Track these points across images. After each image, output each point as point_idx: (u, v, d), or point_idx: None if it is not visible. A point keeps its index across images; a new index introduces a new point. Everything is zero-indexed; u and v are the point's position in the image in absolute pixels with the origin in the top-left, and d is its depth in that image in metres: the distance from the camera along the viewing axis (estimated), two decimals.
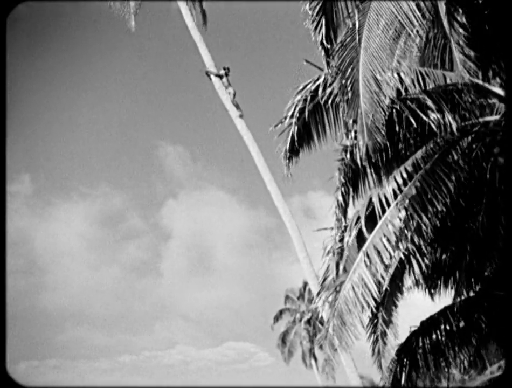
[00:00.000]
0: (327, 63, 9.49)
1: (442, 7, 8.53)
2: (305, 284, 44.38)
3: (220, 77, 18.39)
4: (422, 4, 8.56)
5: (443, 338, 10.88)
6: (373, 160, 9.58)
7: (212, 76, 18.51)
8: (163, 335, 71.15)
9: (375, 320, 11.13)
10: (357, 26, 8.66)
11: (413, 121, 9.30)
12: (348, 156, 10.20)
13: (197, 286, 75.80)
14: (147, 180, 78.54)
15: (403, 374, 11.07)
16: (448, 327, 10.87)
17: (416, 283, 11.80)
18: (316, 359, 43.58)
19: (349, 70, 8.57)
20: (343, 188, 10.28)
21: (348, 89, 8.55)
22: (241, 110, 17.95)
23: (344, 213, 10.51)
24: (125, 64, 74.83)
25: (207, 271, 77.02)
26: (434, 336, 11.00)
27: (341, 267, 10.40)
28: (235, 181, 76.86)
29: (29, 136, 74.07)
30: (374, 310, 10.51)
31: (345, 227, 10.64)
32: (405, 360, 11.15)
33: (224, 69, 18.60)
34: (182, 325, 72.33)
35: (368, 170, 9.98)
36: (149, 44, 72.01)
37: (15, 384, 8.12)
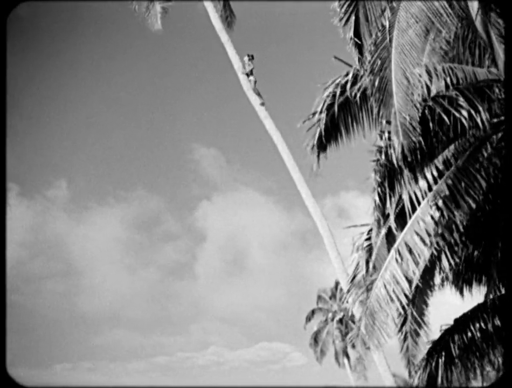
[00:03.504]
0: (359, 59, 9.52)
1: (473, 7, 8.50)
2: (337, 283, 44.19)
3: (246, 69, 18.41)
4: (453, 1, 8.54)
5: (477, 336, 10.77)
6: (409, 159, 9.55)
7: (235, 65, 18.58)
8: (197, 336, 71.58)
9: (406, 318, 11.09)
10: (387, 25, 8.66)
11: (445, 118, 9.25)
12: (383, 156, 10.19)
13: (232, 287, 76.06)
14: (182, 183, 79.25)
15: (438, 373, 10.99)
16: (482, 325, 10.76)
17: (447, 280, 11.72)
18: (348, 358, 43.41)
19: (381, 70, 8.58)
20: (379, 189, 10.23)
21: (381, 89, 8.55)
22: (262, 98, 17.99)
23: (383, 213, 10.45)
24: (159, 67, 75.63)
25: (242, 272, 77.27)
26: (469, 334, 10.89)
27: (371, 265, 10.39)
28: (270, 183, 77.05)
29: (66, 141, 75.50)
30: (406, 308, 10.47)
31: (378, 228, 10.61)
32: (439, 358, 11.06)
33: (248, 55, 18.63)
34: (217, 326, 72.67)
35: (404, 169, 9.95)
36: (180, 46, 72.64)
37: (15, 384, 8.23)
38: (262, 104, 17.95)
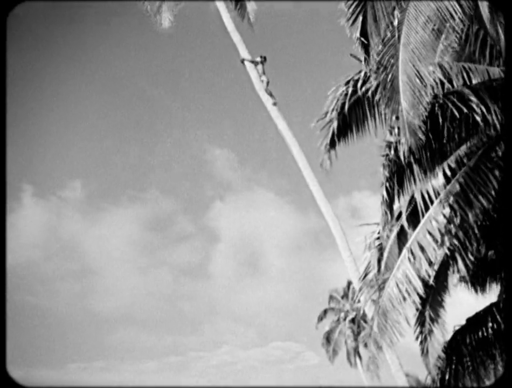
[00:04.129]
0: (365, 59, 9.54)
1: (483, 5, 8.49)
2: (349, 283, 44.17)
3: (256, 64, 18.39)
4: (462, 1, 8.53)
5: (490, 335, 10.74)
6: (417, 156, 9.54)
7: (247, 64, 18.52)
8: (211, 336, 71.69)
9: (422, 318, 11.05)
10: (396, 22, 8.68)
11: (457, 114, 9.23)
12: (392, 151, 10.19)
13: (246, 287, 76.15)
14: (196, 183, 79.54)
15: (450, 373, 10.98)
16: (494, 324, 10.73)
17: (462, 279, 11.68)
18: (360, 358, 43.35)
19: (389, 67, 8.58)
20: (387, 184, 10.23)
21: (388, 86, 8.55)
22: (275, 98, 17.96)
23: (390, 208, 10.46)
24: (171, 68, 75.94)
25: (255, 272, 77.35)
26: (480, 333, 10.87)
27: (382, 263, 10.38)
28: (284, 183, 77.13)
29: (80, 143, 76.00)
30: (420, 307, 10.45)
31: (386, 223, 10.62)
32: (451, 358, 11.05)
33: (261, 57, 18.62)
34: (231, 326, 72.78)
35: (413, 166, 9.94)
36: (193, 46, 72.90)
37: (15, 384, 8.25)
38: (275, 104, 17.93)
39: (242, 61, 18.62)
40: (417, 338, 11.10)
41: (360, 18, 9.27)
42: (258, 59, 18.50)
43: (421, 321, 11.09)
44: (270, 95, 18.01)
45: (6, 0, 9.19)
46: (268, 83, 18.18)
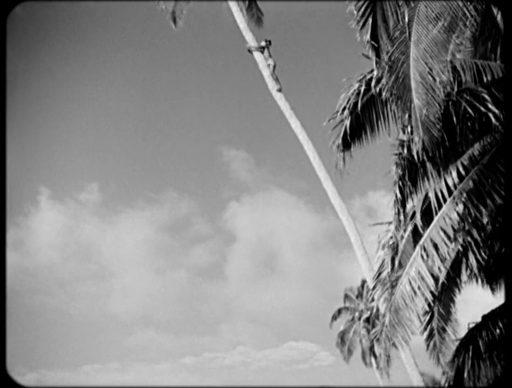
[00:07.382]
0: (376, 62, 9.53)
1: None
2: (364, 282, 44.07)
3: (262, 49, 18.30)
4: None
5: (506, 333, 10.68)
6: (430, 154, 9.52)
7: (255, 53, 18.44)
8: (227, 337, 71.82)
9: (432, 315, 11.04)
10: (407, 20, 8.66)
11: (471, 112, 9.20)
12: (405, 150, 10.17)
13: (262, 288, 76.07)
14: (213, 185, 79.74)
15: (465, 370, 10.93)
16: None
17: (475, 277, 11.64)
18: (376, 357, 43.20)
19: (399, 65, 8.57)
20: (400, 182, 10.22)
21: (400, 84, 8.55)
22: (280, 84, 17.87)
23: (403, 207, 10.45)
24: (184, 68, 76.17)
25: (272, 273, 77.33)
26: (497, 330, 10.81)
27: (396, 262, 10.38)
28: (301, 184, 76.97)
29: (97, 145, 76.47)
30: (432, 305, 10.44)
31: (399, 221, 10.61)
32: (466, 355, 11.00)
33: (265, 41, 18.56)
34: (246, 327, 72.85)
35: (426, 164, 9.92)
36: (207, 46, 73.05)
37: (15, 384, 8.31)
38: (279, 90, 17.83)
39: (249, 50, 18.54)
40: (425, 334, 11.10)
41: (370, 20, 9.25)
42: (263, 43, 18.42)
43: (430, 318, 11.08)
44: (276, 80, 17.91)
45: (6, 0, 9.26)
46: (274, 67, 18.10)
